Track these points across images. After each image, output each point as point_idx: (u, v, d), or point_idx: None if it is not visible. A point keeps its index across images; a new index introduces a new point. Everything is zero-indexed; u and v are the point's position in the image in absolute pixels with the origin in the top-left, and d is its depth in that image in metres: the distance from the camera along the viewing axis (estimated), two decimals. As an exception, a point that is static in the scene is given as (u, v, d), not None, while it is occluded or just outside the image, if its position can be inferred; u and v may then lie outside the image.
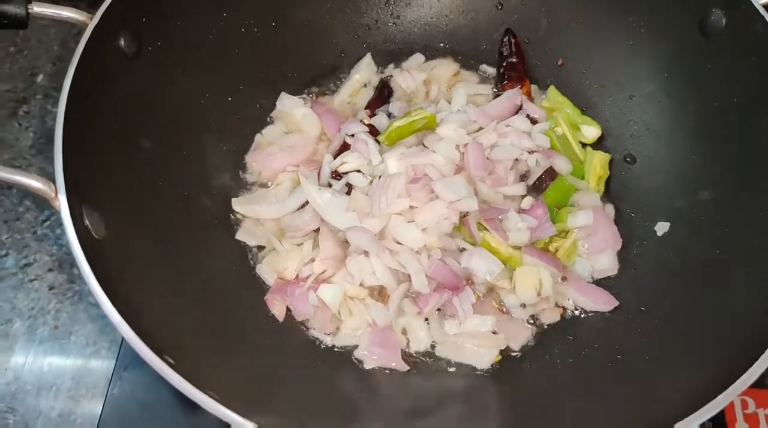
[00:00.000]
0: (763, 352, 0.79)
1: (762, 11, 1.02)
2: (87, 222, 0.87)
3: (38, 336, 1.14)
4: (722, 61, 1.08)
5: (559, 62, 1.31)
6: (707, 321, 0.94)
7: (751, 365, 0.78)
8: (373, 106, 1.27)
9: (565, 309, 1.09)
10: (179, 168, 1.11)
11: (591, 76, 1.28)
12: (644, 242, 1.13)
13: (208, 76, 1.19)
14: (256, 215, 1.14)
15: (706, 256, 1.02)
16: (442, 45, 1.37)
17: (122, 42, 1.03)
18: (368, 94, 1.30)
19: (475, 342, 1.05)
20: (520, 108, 1.24)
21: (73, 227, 0.82)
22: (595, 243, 1.12)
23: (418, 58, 1.35)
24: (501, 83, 1.29)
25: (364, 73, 1.32)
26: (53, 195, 0.84)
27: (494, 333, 1.06)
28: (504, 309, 1.09)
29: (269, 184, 1.20)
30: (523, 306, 1.08)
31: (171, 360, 0.79)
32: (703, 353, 0.90)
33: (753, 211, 0.98)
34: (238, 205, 1.15)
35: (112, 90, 1.01)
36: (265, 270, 1.11)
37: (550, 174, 1.18)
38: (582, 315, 1.09)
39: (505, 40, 1.31)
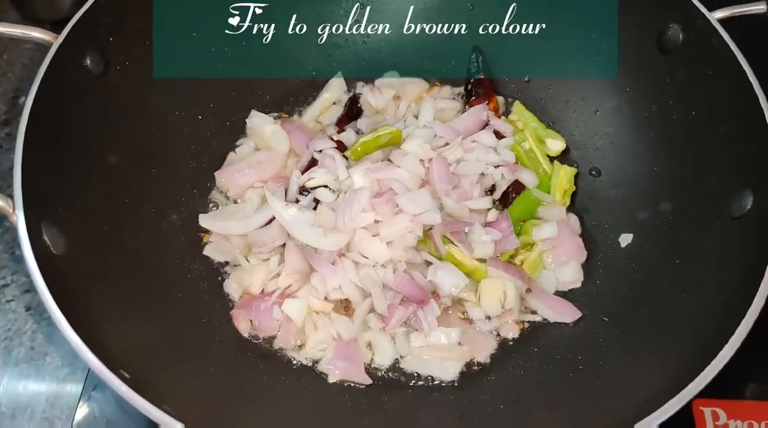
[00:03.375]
0: (714, 357, 0.79)
1: (717, 26, 1.04)
2: (46, 237, 0.87)
3: (14, 358, 1.13)
4: (680, 75, 1.11)
5: (526, 79, 1.34)
6: (666, 330, 0.95)
7: (704, 369, 0.79)
8: (342, 122, 1.29)
9: (524, 323, 1.10)
10: (147, 185, 1.12)
11: (556, 92, 1.30)
12: (608, 253, 1.14)
13: (176, 95, 1.20)
14: (223, 231, 1.15)
15: (667, 266, 1.03)
16: (411, 62, 1.38)
17: (88, 61, 1.04)
18: (338, 111, 1.32)
19: (440, 354, 1.05)
20: (487, 123, 1.26)
21: (30, 243, 0.82)
22: (559, 256, 1.13)
23: (391, 74, 1.36)
24: (469, 99, 1.31)
25: (333, 92, 1.34)
26: (11, 210, 0.84)
27: (459, 344, 1.06)
28: (469, 320, 1.09)
29: (237, 200, 1.21)
30: (488, 318, 1.09)
31: (126, 375, 0.79)
32: (662, 360, 0.91)
33: (710, 219, 0.99)
34: (205, 221, 1.16)
35: (78, 108, 1.02)
36: (232, 286, 1.11)
37: (516, 187, 1.19)
38: (546, 326, 1.09)
39: (472, 57, 1.33)
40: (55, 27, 1.34)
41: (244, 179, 1.20)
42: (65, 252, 0.90)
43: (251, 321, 1.07)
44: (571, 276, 1.12)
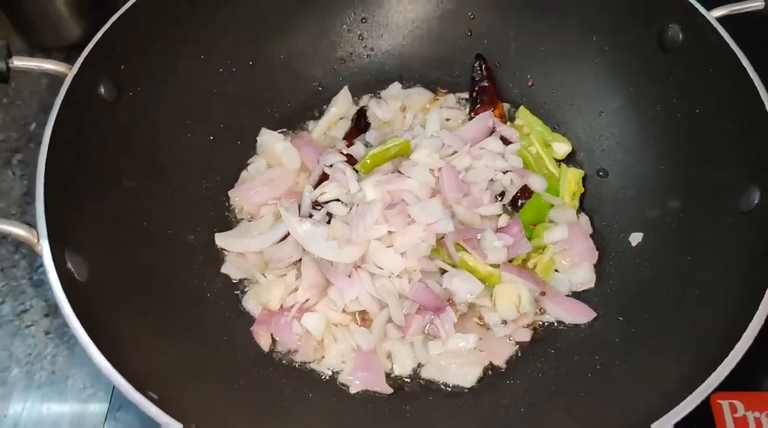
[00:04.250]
0: (729, 351, 0.80)
1: (715, 24, 1.05)
2: (70, 265, 0.89)
3: (36, 382, 1.14)
4: (682, 73, 1.12)
5: (530, 83, 1.35)
6: (681, 327, 0.96)
7: (719, 364, 0.80)
8: (351, 136, 1.31)
9: (536, 328, 1.11)
10: (163, 207, 1.14)
11: (561, 95, 1.32)
12: (620, 253, 1.15)
13: (188, 117, 1.23)
14: (238, 249, 1.17)
15: (679, 263, 1.04)
16: (416, 73, 1.40)
17: (102, 89, 1.07)
18: (346, 125, 1.34)
19: (458, 360, 1.06)
20: (493, 130, 1.27)
21: (56, 272, 0.85)
22: (571, 257, 1.14)
23: (395, 86, 1.38)
24: (474, 107, 1.33)
25: (341, 106, 1.35)
26: (35, 240, 0.87)
27: (477, 350, 1.08)
28: (486, 325, 1.11)
29: (252, 218, 1.23)
30: (504, 322, 1.10)
31: (154, 396, 0.81)
32: (679, 357, 0.92)
33: (718, 215, 1.01)
34: (221, 240, 1.18)
35: (94, 135, 1.05)
36: (251, 302, 1.13)
37: (526, 192, 1.21)
38: (562, 328, 1.10)
39: (476, 65, 1.35)
40: (62, 53, 1.41)
41: (258, 197, 1.22)
42: (88, 278, 0.92)
43: (272, 336, 1.09)
44: (584, 277, 1.13)
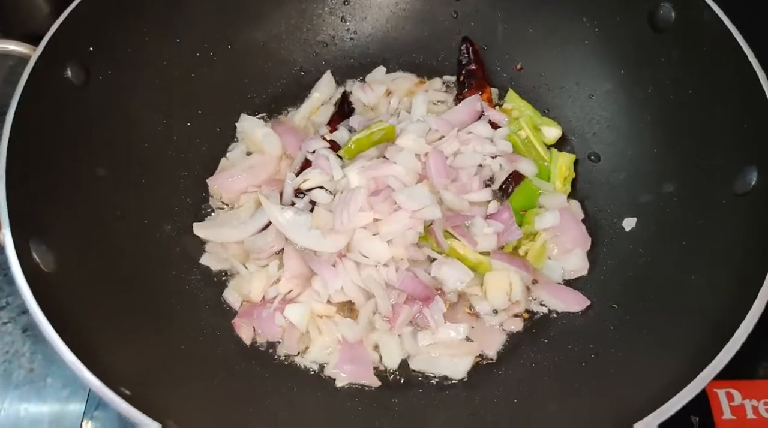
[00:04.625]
0: (729, 339, 0.77)
1: (709, 0, 1.02)
2: (35, 256, 0.84)
3: (14, 381, 1.11)
4: (675, 54, 1.09)
5: (518, 66, 1.31)
6: (677, 314, 0.93)
7: (718, 352, 0.77)
8: (334, 121, 1.26)
9: (528, 317, 1.08)
10: (138, 196, 1.10)
11: (550, 78, 1.28)
12: (613, 239, 1.12)
13: (164, 103, 1.18)
14: (218, 239, 1.12)
15: (673, 248, 1.01)
16: (401, 57, 1.36)
17: (69, 72, 1.02)
18: (329, 110, 1.30)
19: (449, 351, 1.03)
20: (482, 114, 1.24)
21: (19, 262, 0.80)
22: (563, 244, 1.11)
23: (380, 70, 1.34)
24: (461, 91, 1.29)
25: (323, 90, 1.31)
26: (-3, 233, 0.82)
27: (468, 340, 1.04)
28: (476, 314, 1.08)
29: (232, 206, 1.18)
30: (495, 311, 1.07)
31: (126, 392, 0.76)
32: (676, 345, 0.89)
33: (714, 199, 0.97)
34: (200, 229, 1.13)
35: (61, 120, 0.99)
36: (231, 294, 1.09)
37: (516, 177, 1.17)
38: (554, 317, 1.07)
39: (463, 48, 1.31)
40: (36, 41, 1.35)
41: (238, 185, 1.18)
42: (56, 269, 0.87)
43: (254, 328, 1.05)
44: (577, 264, 1.10)
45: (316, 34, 1.35)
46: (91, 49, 1.05)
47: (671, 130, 1.10)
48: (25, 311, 1.17)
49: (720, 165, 0.99)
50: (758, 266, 0.83)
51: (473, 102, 1.23)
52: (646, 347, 0.93)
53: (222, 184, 1.18)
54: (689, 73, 1.07)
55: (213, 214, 1.18)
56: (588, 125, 1.23)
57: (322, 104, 1.31)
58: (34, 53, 0.97)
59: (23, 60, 0.98)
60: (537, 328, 1.06)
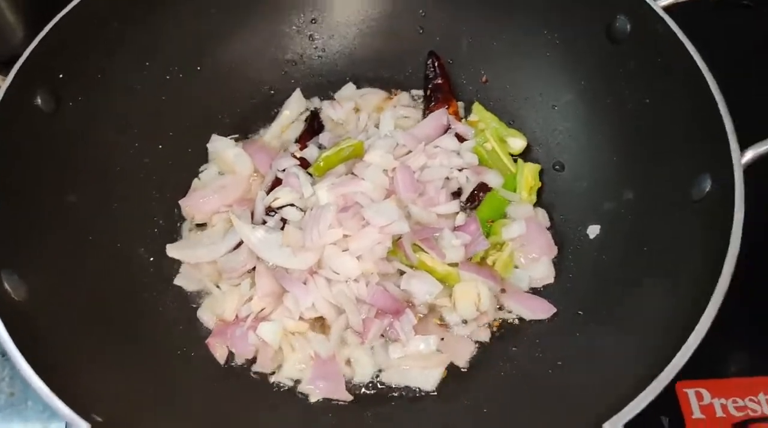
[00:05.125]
0: (686, 339, 0.80)
1: (662, 13, 1.05)
2: (6, 285, 0.85)
3: None
4: (631, 64, 1.12)
5: (484, 79, 1.34)
6: (639, 318, 0.96)
7: (676, 353, 0.79)
8: (304, 139, 1.28)
9: (497, 326, 1.10)
10: (110, 220, 1.11)
11: (515, 90, 1.31)
12: (578, 246, 1.14)
13: (134, 126, 1.20)
14: (191, 259, 1.14)
15: (635, 254, 1.04)
16: (369, 73, 1.38)
17: (39, 100, 1.03)
18: (299, 127, 1.31)
19: (420, 363, 1.05)
20: (448, 127, 1.26)
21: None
22: (530, 253, 1.14)
23: (349, 87, 1.36)
24: (428, 105, 1.31)
25: (293, 108, 1.33)
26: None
27: (438, 351, 1.06)
28: (446, 326, 1.09)
29: (203, 227, 1.20)
30: (465, 322, 1.09)
31: (98, 419, 0.77)
32: (639, 348, 0.91)
33: (672, 205, 1.00)
34: (173, 250, 1.14)
35: (31, 148, 1.01)
36: (205, 314, 1.10)
37: (482, 189, 1.20)
38: (522, 325, 1.09)
39: (429, 62, 1.34)
40: (7, 66, 1.36)
41: (209, 205, 1.19)
42: (27, 297, 0.88)
43: (228, 347, 1.06)
44: (543, 272, 1.12)
45: (284, 52, 1.37)
46: (60, 76, 1.06)
47: (630, 138, 1.13)
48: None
49: (676, 172, 1.01)
50: (713, 270, 0.85)
51: (439, 116, 1.26)
52: (610, 352, 0.96)
53: (194, 204, 1.19)
54: (645, 83, 1.10)
55: (186, 234, 1.19)
56: (552, 135, 1.26)
57: (293, 122, 1.33)
58: (3, 83, 0.98)
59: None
60: (505, 337, 1.08)
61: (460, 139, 1.25)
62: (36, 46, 1.03)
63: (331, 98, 1.36)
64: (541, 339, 1.06)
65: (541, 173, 1.23)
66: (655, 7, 1.06)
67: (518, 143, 1.25)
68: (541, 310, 1.08)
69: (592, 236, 1.13)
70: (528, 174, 1.21)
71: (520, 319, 1.10)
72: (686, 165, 1.00)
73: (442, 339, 1.07)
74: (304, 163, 1.21)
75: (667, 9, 1.06)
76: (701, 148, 0.98)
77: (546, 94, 1.27)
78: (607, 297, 1.04)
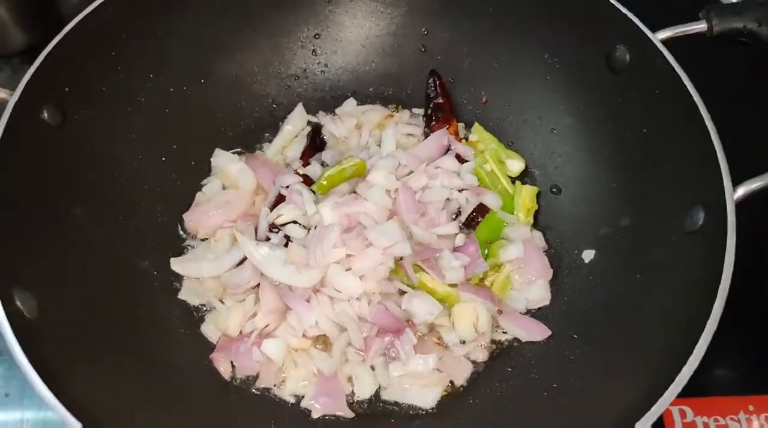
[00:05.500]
0: (681, 368, 0.83)
1: (660, 47, 1.08)
2: (19, 304, 0.87)
3: None
4: (630, 94, 1.15)
5: (484, 100, 1.36)
6: (633, 343, 0.99)
7: (665, 390, 0.83)
8: (306, 155, 1.30)
9: (494, 347, 1.13)
10: (115, 233, 1.12)
11: (514, 112, 1.33)
12: (573, 270, 1.17)
13: (139, 139, 1.20)
14: (194, 274, 1.15)
15: (629, 281, 1.07)
16: (371, 89, 1.40)
17: (45, 114, 1.04)
18: (302, 143, 1.33)
19: (419, 382, 1.07)
20: (449, 148, 1.28)
21: (5, 314, 0.82)
22: (527, 275, 1.16)
23: (350, 103, 1.38)
24: (429, 124, 1.33)
25: (296, 123, 1.34)
26: (-19, 282, 0.84)
27: (437, 370, 1.09)
28: (445, 345, 1.12)
29: (207, 241, 1.21)
30: (463, 342, 1.11)
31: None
32: (633, 373, 0.94)
33: (666, 235, 1.03)
34: (177, 264, 1.16)
35: (38, 163, 1.02)
36: (209, 329, 1.12)
37: (481, 210, 1.22)
38: (518, 346, 1.12)
39: (430, 81, 1.35)
40: (3, 61, 1.38)
41: (213, 220, 1.20)
42: (38, 314, 0.89)
43: (232, 363, 1.08)
44: (539, 294, 1.15)
45: (288, 67, 1.38)
46: (67, 89, 1.07)
47: (627, 166, 1.16)
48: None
49: (671, 202, 1.05)
50: (705, 301, 0.89)
51: (441, 136, 1.28)
52: (604, 377, 0.99)
53: (198, 219, 1.21)
54: (643, 113, 1.13)
55: (190, 249, 1.20)
56: (550, 158, 1.29)
57: (295, 137, 1.34)
58: (11, 98, 0.98)
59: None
60: (501, 358, 1.11)
61: (460, 159, 1.28)
62: (43, 61, 1.03)
63: (333, 114, 1.37)
64: (536, 360, 1.09)
65: (538, 195, 1.26)
66: (653, 40, 1.09)
67: (516, 165, 1.28)
68: (536, 332, 1.11)
69: (587, 260, 1.16)
70: (525, 196, 1.24)
71: (516, 340, 1.13)
72: (681, 196, 1.03)
73: (441, 358, 1.09)
74: (307, 180, 1.23)
75: (666, 42, 1.09)
76: (695, 181, 1.01)
77: (545, 117, 1.30)
78: (601, 321, 1.07)
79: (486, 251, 1.18)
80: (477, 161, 1.28)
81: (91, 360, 0.94)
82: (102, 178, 1.13)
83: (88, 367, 0.92)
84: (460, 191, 1.23)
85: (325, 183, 1.17)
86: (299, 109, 1.35)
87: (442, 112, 1.33)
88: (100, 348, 0.98)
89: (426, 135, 1.33)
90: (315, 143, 1.31)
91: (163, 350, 1.07)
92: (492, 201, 1.23)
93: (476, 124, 1.33)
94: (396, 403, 1.07)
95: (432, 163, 1.24)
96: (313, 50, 1.39)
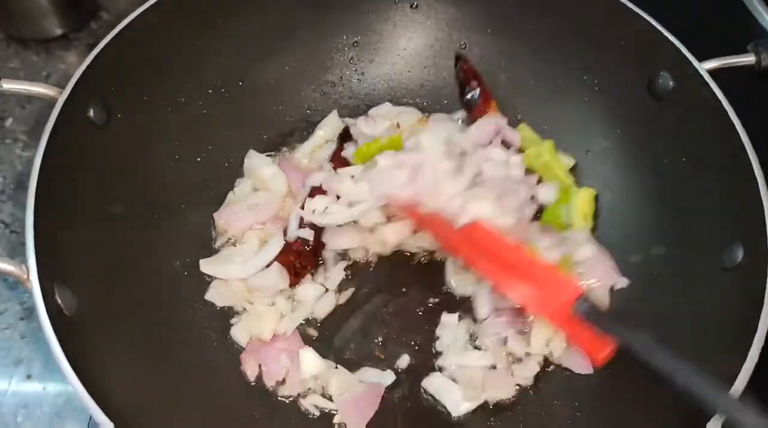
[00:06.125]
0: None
1: (707, 77, 1.06)
2: (59, 300, 0.87)
3: (11, 388, 1.12)
4: (670, 122, 1.13)
5: (518, 117, 1.35)
6: (661, 382, 0.98)
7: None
8: (337, 157, 1.27)
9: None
10: (149, 232, 1.12)
11: (549, 131, 1.31)
12: (600, 296, 1.16)
13: (177, 140, 1.21)
14: (223, 276, 1.15)
15: (659, 312, 1.05)
16: (406, 99, 1.40)
17: (92, 112, 1.04)
18: (331, 148, 1.31)
19: (462, 383, 1.07)
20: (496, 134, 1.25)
21: (46, 309, 0.83)
22: (589, 278, 1.13)
23: (385, 106, 1.37)
24: (470, 113, 1.31)
25: (328, 129, 1.34)
26: (25, 277, 0.84)
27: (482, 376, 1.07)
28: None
29: (235, 242, 1.21)
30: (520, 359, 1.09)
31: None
32: (659, 412, 0.93)
33: (702, 269, 1.02)
34: (206, 265, 1.15)
35: (83, 162, 1.02)
36: (239, 333, 1.11)
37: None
38: (549, 370, 1.11)
39: (457, 68, 1.34)
40: (40, 46, 1.43)
41: (243, 221, 1.20)
42: (77, 311, 0.90)
43: (260, 366, 1.08)
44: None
45: (324, 73, 1.38)
46: (113, 88, 1.08)
47: (663, 194, 1.15)
48: (23, 317, 1.18)
49: (708, 236, 1.03)
50: (740, 345, 0.87)
51: (490, 121, 1.24)
52: (630, 412, 0.98)
53: (228, 219, 1.20)
54: (683, 142, 1.11)
55: (220, 250, 1.21)
56: (583, 181, 1.27)
57: (326, 142, 1.34)
58: (60, 96, 0.99)
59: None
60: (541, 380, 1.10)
61: (507, 144, 1.24)
62: (93, 60, 1.03)
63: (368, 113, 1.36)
64: (562, 387, 1.07)
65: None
66: (700, 69, 1.07)
67: (567, 160, 1.27)
68: (583, 365, 1.08)
69: (617, 287, 1.15)
70: (583, 199, 1.21)
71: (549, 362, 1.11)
72: (719, 231, 1.01)
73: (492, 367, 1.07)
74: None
75: (712, 73, 1.07)
76: (735, 218, 0.99)
77: (581, 139, 1.29)
78: (629, 354, 1.06)
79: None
80: (529, 152, 1.24)
81: (123, 360, 0.95)
82: (140, 178, 1.13)
83: (120, 366, 0.93)
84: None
85: (362, 151, 1.18)
86: (333, 115, 1.35)
87: (480, 96, 1.31)
88: (132, 347, 0.98)
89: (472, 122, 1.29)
90: (344, 144, 1.29)
91: (192, 351, 1.07)
92: (548, 192, 1.19)
93: (523, 124, 1.31)
94: (432, 397, 1.07)
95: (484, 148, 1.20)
96: (351, 58, 1.39)
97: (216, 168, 1.26)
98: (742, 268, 0.96)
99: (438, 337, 1.12)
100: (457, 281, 1.16)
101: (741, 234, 0.97)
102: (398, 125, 1.33)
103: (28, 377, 1.13)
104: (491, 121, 1.24)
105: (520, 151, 1.25)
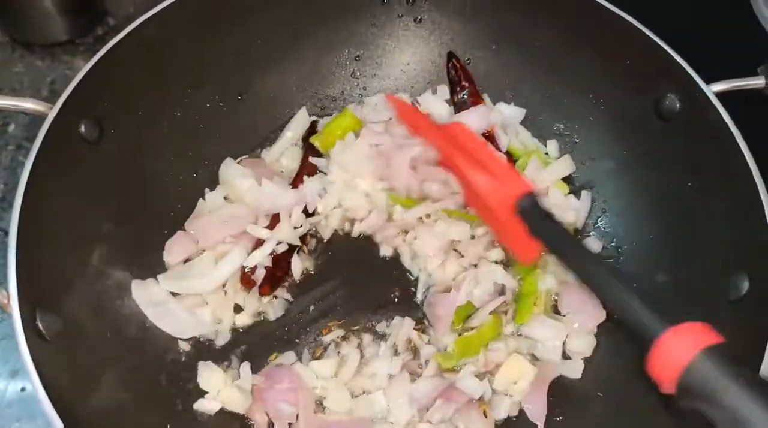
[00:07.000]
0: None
1: (714, 100, 1.03)
2: (39, 325, 0.85)
3: (6, 400, 1.10)
4: (677, 144, 1.10)
5: (521, 133, 1.33)
6: (663, 414, 0.95)
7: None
8: (303, 166, 1.25)
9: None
10: (138, 249, 1.10)
11: (553, 148, 1.29)
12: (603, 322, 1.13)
13: (172, 154, 1.19)
14: (183, 290, 1.10)
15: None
16: (408, 115, 1.37)
17: (83, 128, 1.02)
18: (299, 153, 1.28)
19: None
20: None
21: (24, 336, 0.81)
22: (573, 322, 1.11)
23: (380, 96, 1.34)
24: (459, 110, 1.30)
25: (296, 130, 1.30)
26: (5, 301, 0.83)
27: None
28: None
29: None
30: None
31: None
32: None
33: (706, 300, 0.99)
34: (164, 281, 1.09)
35: (73, 178, 1.00)
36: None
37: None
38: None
39: (449, 65, 1.33)
40: (45, 51, 1.41)
41: (217, 234, 1.15)
42: (56, 337, 0.88)
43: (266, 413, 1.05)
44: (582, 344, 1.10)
45: (325, 88, 1.36)
46: (105, 104, 1.06)
47: (668, 219, 1.12)
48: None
49: (712, 266, 1.00)
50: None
51: (483, 112, 1.24)
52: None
53: (200, 231, 1.16)
54: (689, 166, 1.08)
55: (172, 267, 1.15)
56: (586, 199, 1.25)
57: (294, 144, 1.30)
58: (50, 111, 0.97)
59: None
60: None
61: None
62: (84, 75, 1.01)
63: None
64: (560, 420, 1.05)
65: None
66: (707, 92, 1.04)
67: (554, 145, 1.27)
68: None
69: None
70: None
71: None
72: (724, 259, 0.98)
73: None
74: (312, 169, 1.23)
75: (720, 95, 1.04)
76: (741, 247, 0.96)
77: (585, 158, 1.26)
78: (629, 380, 1.02)
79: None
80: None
81: (104, 386, 0.93)
82: (132, 194, 1.11)
83: (97, 394, 0.91)
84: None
85: (323, 136, 1.20)
86: (302, 112, 1.31)
87: (470, 96, 1.30)
88: (115, 371, 0.97)
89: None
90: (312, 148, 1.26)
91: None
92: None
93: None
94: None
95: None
96: (353, 72, 1.37)
97: (212, 184, 1.23)
98: (747, 300, 0.92)
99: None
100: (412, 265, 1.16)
101: (747, 265, 0.94)
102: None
103: (23, 390, 1.12)
104: (485, 113, 1.25)
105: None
